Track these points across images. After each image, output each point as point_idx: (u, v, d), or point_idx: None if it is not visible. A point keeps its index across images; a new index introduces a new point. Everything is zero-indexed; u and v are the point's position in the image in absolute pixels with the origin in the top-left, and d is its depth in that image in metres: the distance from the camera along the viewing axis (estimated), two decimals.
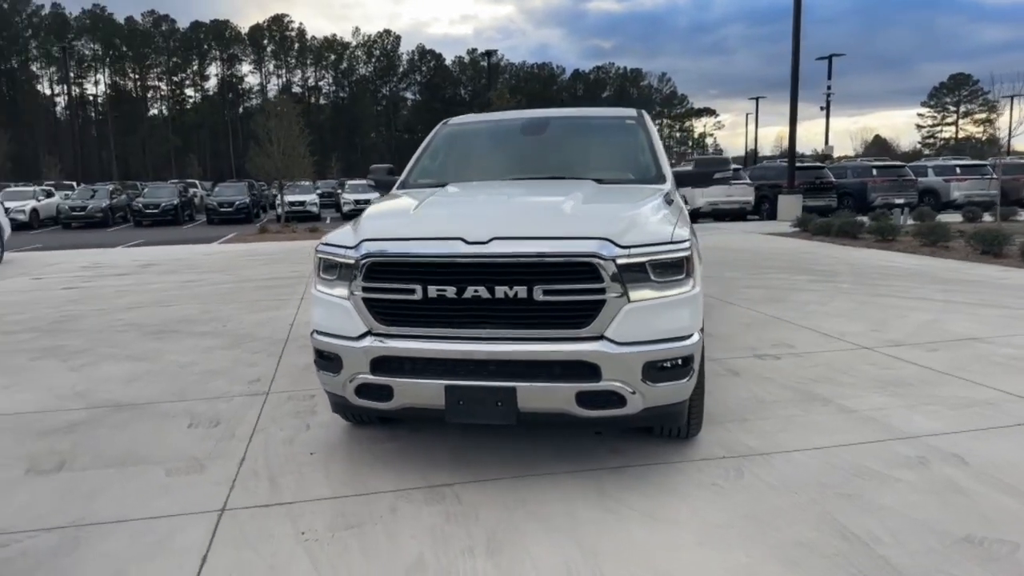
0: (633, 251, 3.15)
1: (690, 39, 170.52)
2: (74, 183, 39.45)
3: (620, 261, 3.11)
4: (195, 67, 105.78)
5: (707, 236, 16.04)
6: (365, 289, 3.30)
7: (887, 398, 4.48)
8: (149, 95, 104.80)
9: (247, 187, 31.74)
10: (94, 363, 5.75)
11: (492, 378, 3.19)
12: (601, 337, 3.13)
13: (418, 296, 3.20)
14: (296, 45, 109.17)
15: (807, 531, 2.89)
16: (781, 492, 3.24)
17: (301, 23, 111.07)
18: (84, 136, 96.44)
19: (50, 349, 6.26)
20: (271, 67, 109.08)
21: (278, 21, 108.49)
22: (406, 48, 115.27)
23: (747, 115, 72.11)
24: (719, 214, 21.41)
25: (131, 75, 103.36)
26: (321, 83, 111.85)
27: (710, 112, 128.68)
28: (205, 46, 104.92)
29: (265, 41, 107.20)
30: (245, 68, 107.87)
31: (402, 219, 3.63)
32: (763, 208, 21.57)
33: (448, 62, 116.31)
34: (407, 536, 2.91)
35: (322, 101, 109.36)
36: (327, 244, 3.55)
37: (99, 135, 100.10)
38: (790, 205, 18.89)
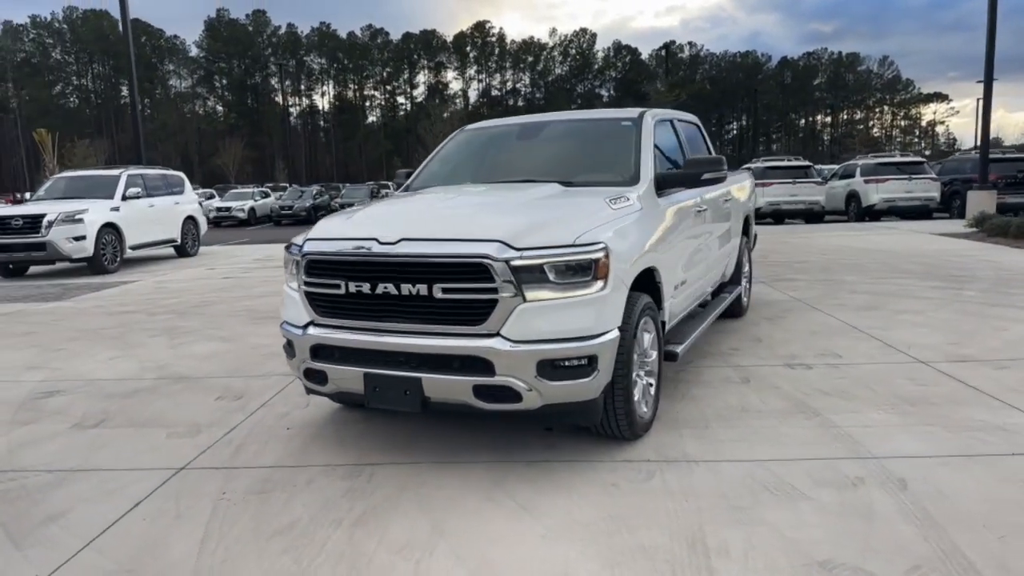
0: (527, 253, 3.27)
1: (927, 16, 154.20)
2: (286, 184, 44.47)
3: (514, 263, 3.25)
4: (405, 76, 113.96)
5: (864, 235, 14.83)
6: (306, 283, 3.71)
7: (887, 415, 4.12)
8: (366, 104, 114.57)
9: None
10: (191, 342, 6.72)
11: (401, 368, 3.47)
12: (497, 334, 3.29)
13: (342, 291, 3.56)
14: (496, 50, 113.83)
15: (659, 537, 2.86)
16: (674, 498, 3.19)
17: (501, 28, 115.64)
18: (312, 142, 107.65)
19: (169, 329, 7.38)
20: (472, 72, 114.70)
21: (480, 28, 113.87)
22: (603, 44, 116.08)
23: (976, 100, 64.01)
24: (900, 211, 19.48)
25: (351, 85, 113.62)
26: (518, 85, 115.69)
27: (941, 97, 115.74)
28: (415, 55, 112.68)
29: (468, 48, 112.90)
30: (450, 75, 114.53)
31: (341, 221, 3.99)
32: (954, 205, 19.30)
33: (644, 56, 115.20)
34: (299, 505, 3.27)
35: (519, 103, 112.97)
36: (291, 244, 4.00)
37: (325, 141, 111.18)
38: (981, 202, 16.74)
